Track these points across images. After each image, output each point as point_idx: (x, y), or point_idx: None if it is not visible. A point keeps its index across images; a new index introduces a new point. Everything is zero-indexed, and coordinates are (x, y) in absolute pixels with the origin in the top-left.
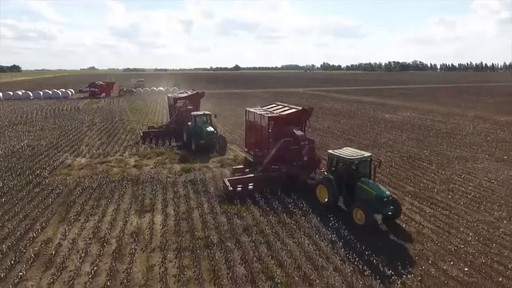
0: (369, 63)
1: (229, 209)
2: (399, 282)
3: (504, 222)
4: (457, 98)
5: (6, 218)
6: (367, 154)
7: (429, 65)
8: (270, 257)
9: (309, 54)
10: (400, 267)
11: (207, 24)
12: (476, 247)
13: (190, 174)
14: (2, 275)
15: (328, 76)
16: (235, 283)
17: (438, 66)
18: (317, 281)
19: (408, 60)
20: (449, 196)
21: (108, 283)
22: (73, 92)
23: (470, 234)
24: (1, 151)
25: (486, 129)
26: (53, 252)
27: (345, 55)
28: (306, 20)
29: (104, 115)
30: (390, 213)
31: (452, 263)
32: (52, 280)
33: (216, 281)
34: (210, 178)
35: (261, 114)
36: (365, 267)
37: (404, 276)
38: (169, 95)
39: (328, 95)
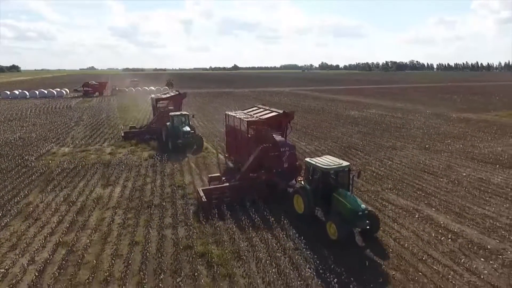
0: (367, 63)
1: (175, 183)
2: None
3: (386, 191)
4: (430, 97)
5: None
6: (345, 163)
7: (426, 65)
8: (192, 212)
9: (309, 54)
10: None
11: (206, 24)
12: None
13: (153, 159)
14: None
15: (323, 76)
16: (161, 227)
17: (435, 66)
18: (220, 225)
19: (406, 60)
20: None
21: (69, 227)
22: (68, 91)
23: None
24: None
25: (433, 124)
26: (31, 210)
27: (344, 55)
28: (306, 20)
29: (92, 112)
30: (368, 227)
31: None
32: (28, 226)
33: (148, 226)
34: (170, 161)
35: (240, 118)
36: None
37: (282, 220)
38: (152, 96)
39: (311, 94)
